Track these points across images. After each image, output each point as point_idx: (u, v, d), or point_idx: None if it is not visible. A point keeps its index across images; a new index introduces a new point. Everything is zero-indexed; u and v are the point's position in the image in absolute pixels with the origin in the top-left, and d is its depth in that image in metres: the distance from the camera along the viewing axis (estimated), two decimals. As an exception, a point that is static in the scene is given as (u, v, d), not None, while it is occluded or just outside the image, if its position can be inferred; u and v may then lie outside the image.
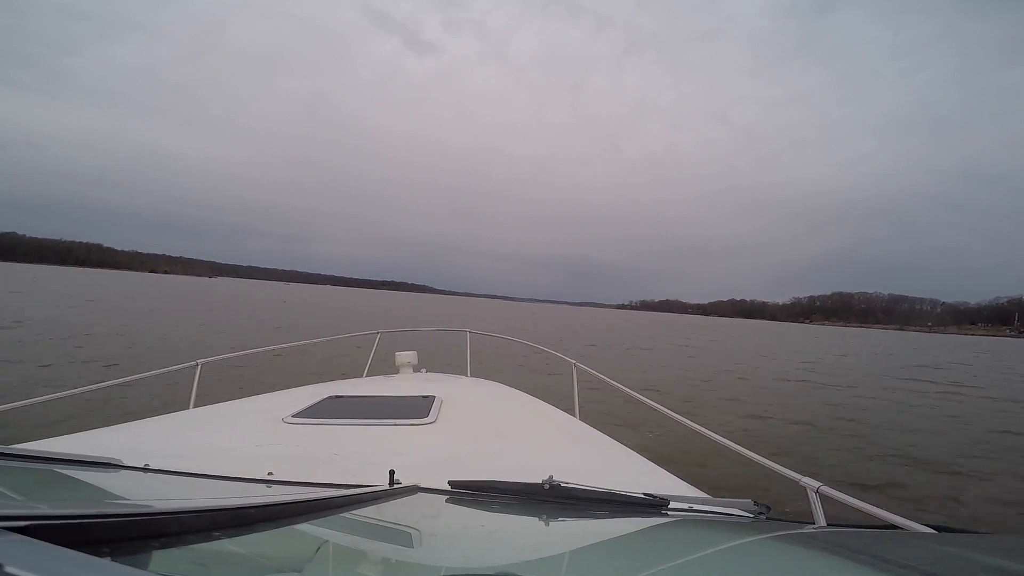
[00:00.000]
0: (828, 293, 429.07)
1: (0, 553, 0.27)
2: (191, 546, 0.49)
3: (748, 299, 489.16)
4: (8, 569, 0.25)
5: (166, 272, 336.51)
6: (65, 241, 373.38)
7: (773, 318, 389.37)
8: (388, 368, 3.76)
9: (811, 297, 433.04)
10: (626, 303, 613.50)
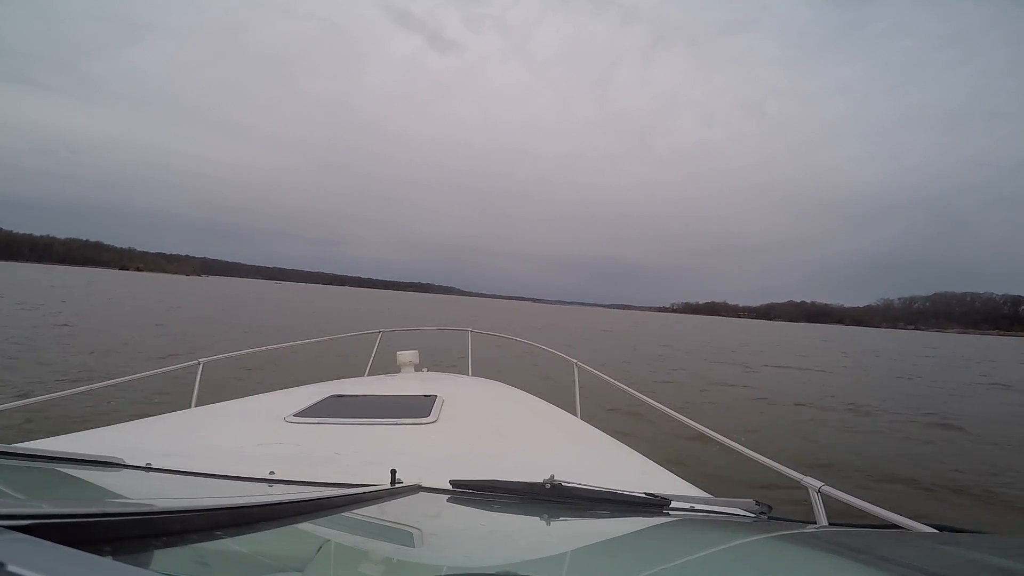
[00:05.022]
0: (928, 294, 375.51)
1: (2, 552, 0.27)
2: (193, 545, 0.49)
3: (808, 300, 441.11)
4: (10, 568, 0.25)
5: (138, 269, 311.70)
6: (47, 237, 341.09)
7: (859, 323, 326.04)
8: (389, 367, 3.76)
9: (907, 299, 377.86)
10: (667, 305, 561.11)
